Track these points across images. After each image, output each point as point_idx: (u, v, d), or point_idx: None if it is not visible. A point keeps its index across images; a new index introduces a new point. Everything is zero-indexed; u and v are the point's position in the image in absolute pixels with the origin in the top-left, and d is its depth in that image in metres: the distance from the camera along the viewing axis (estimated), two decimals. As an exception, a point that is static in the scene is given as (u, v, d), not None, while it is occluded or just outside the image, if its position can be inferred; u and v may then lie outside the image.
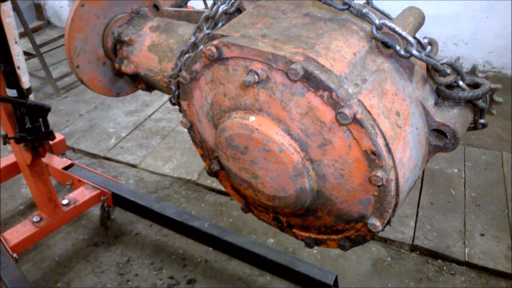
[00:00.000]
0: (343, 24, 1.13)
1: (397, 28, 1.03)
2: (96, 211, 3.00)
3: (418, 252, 2.76)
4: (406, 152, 1.06)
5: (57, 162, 2.95)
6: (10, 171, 2.83)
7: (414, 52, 1.04)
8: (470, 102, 1.14)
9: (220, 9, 1.28)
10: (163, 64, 1.59)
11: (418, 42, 1.07)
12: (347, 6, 1.08)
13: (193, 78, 1.25)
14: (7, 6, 1.73)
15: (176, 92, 1.41)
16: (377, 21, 1.04)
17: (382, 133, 1.00)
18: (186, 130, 1.45)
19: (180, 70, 1.37)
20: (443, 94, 1.11)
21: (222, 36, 1.17)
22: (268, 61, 1.04)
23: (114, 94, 1.92)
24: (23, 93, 1.92)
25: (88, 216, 3.04)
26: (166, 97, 4.08)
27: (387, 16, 1.22)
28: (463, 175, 3.33)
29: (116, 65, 1.72)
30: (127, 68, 1.68)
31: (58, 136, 3.10)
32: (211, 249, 2.74)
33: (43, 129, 2.05)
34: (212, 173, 1.47)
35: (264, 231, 2.89)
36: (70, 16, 1.65)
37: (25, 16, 4.18)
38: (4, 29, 1.74)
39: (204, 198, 3.20)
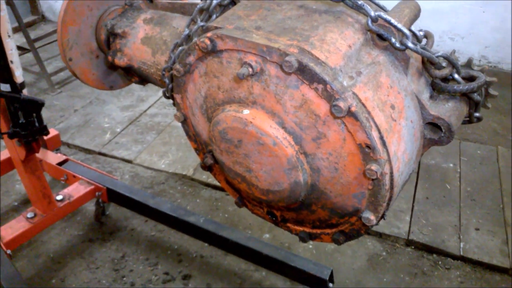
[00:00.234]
0: (338, 16, 1.12)
1: (392, 20, 1.02)
2: (91, 206, 2.98)
3: (413, 247, 2.76)
4: (400, 145, 1.05)
5: (52, 157, 2.93)
6: (4, 167, 2.80)
7: (410, 44, 1.03)
8: (465, 95, 1.14)
9: (214, 1, 1.27)
10: (156, 56, 1.58)
11: (414, 34, 1.06)
12: (342, -2, 1.07)
13: (187, 71, 1.24)
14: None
15: (170, 85, 1.40)
16: (372, 13, 1.03)
17: (376, 126, 0.99)
18: (181, 125, 1.44)
19: (174, 63, 1.35)
20: (438, 87, 1.10)
21: (216, 28, 1.16)
22: (262, 53, 1.03)
23: (107, 87, 1.90)
24: (17, 88, 1.91)
25: (82, 212, 3.02)
26: (161, 92, 4.05)
27: (382, 8, 1.21)
28: (459, 170, 3.34)
29: (109, 58, 1.70)
30: (120, 61, 1.66)
31: (53, 131, 3.07)
32: (206, 244, 2.74)
33: (37, 124, 2.04)
34: (206, 167, 1.46)
35: (259, 226, 2.89)
36: (63, 8, 1.63)
37: (19, 11, 4.16)
38: (-4, 23, 1.73)
39: (200, 193, 3.19)
